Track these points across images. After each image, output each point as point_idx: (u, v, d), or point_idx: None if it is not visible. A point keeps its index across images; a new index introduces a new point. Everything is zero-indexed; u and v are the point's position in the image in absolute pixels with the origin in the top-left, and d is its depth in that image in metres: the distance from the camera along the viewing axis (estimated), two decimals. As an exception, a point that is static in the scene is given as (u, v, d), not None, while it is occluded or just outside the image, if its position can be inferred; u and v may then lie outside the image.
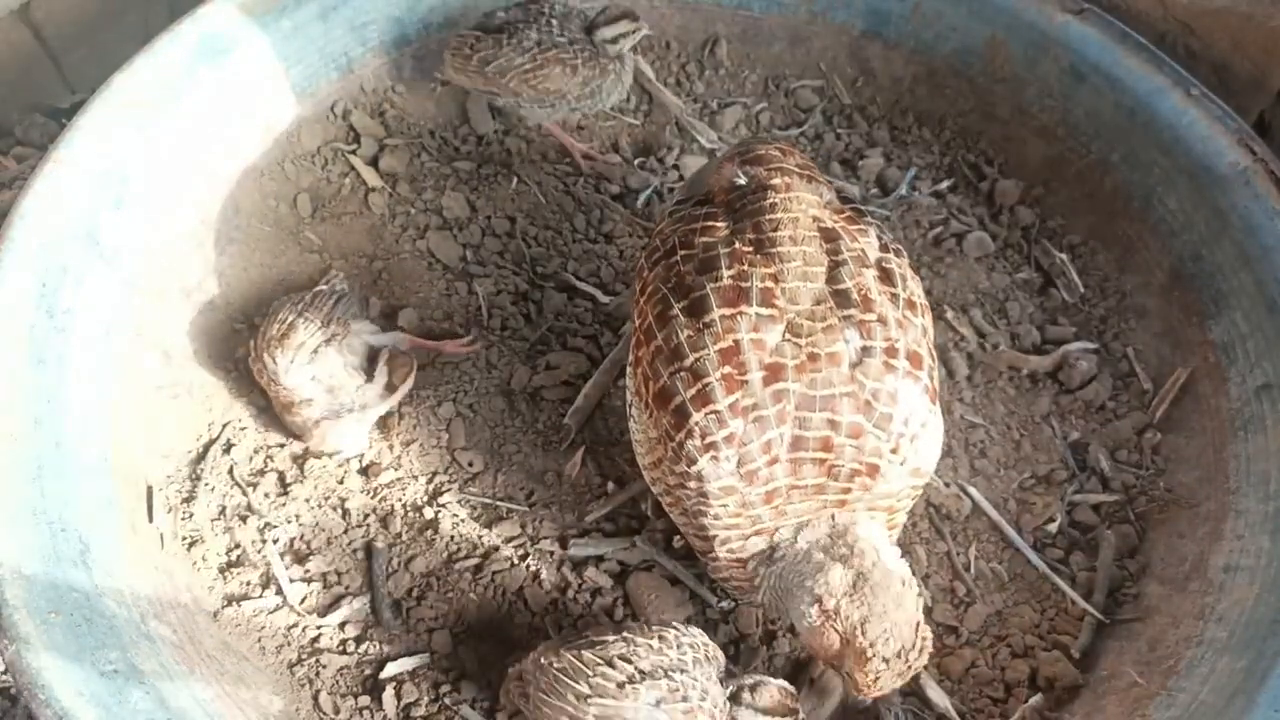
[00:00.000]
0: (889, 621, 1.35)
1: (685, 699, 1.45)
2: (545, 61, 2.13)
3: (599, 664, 1.47)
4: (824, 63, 2.51)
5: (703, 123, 2.43)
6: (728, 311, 1.42)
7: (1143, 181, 2.19)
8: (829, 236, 1.52)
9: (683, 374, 1.42)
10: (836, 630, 1.39)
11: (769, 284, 1.44)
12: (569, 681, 1.47)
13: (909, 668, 1.37)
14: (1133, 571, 1.93)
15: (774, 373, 1.39)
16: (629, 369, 1.61)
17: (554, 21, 2.16)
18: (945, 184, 2.38)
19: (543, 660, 1.53)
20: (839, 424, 1.39)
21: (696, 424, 1.40)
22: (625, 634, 1.52)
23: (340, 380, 1.91)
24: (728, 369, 1.39)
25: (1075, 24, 2.22)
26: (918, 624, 1.38)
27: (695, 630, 1.56)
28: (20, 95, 2.44)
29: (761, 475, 1.40)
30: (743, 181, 1.62)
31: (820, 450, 1.40)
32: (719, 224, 1.55)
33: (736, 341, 1.40)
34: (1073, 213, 2.33)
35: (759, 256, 1.48)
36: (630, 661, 1.47)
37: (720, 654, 1.56)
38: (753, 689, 1.51)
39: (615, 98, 2.25)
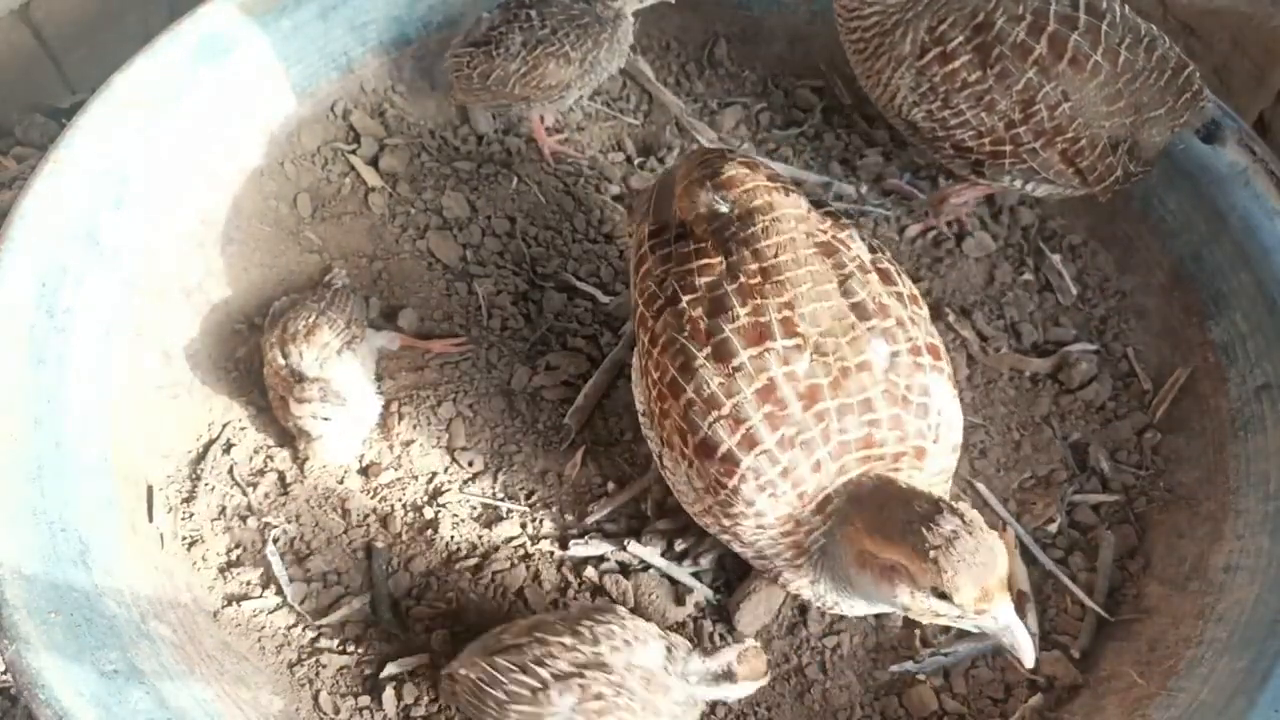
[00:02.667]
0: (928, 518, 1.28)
1: (599, 697, 1.47)
2: (537, 61, 2.10)
3: (513, 670, 1.49)
4: (824, 63, 2.50)
5: (703, 122, 2.43)
6: (754, 351, 1.41)
7: (1142, 181, 2.19)
8: (827, 250, 1.53)
9: (723, 422, 1.41)
10: (890, 554, 1.33)
11: (786, 313, 1.44)
12: (487, 689, 1.50)
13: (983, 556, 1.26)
14: (1133, 571, 1.93)
15: (811, 396, 1.40)
16: (651, 421, 1.59)
17: (533, 14, 2.12)
18: (945, 184, 2.38)
19: (461, 670, 1.56)
20: (879, 420, 1.41)
21: (749, 468, 1.40)
22: (538, 633, 1.54)
23: (354, 390, 1.88)
24: (768, 408, 1.39)
25: (1075, 24, 2.22)
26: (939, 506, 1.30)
27: (615, 612, 1.58)
28: (20, 95, 2.44)
29: (810, 491, 1.41)
30: (724, 209, 1.59)
31: (863, 448, 1.41)
32: (713, 259, 1.53)
33: (771, 379, 1.40)
34: (1073, 213, 2.33)
35: (768, 286, 1.47)
36: (544, 664, 1.49)
37: (651, 628, 1.58)
38: (739, 658, 1.54)
39: (618, 61, 2.21)
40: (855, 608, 1.54)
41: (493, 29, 2.13)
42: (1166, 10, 2.36)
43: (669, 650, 1.56)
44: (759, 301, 1.45)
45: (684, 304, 1.50)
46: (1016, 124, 1.85)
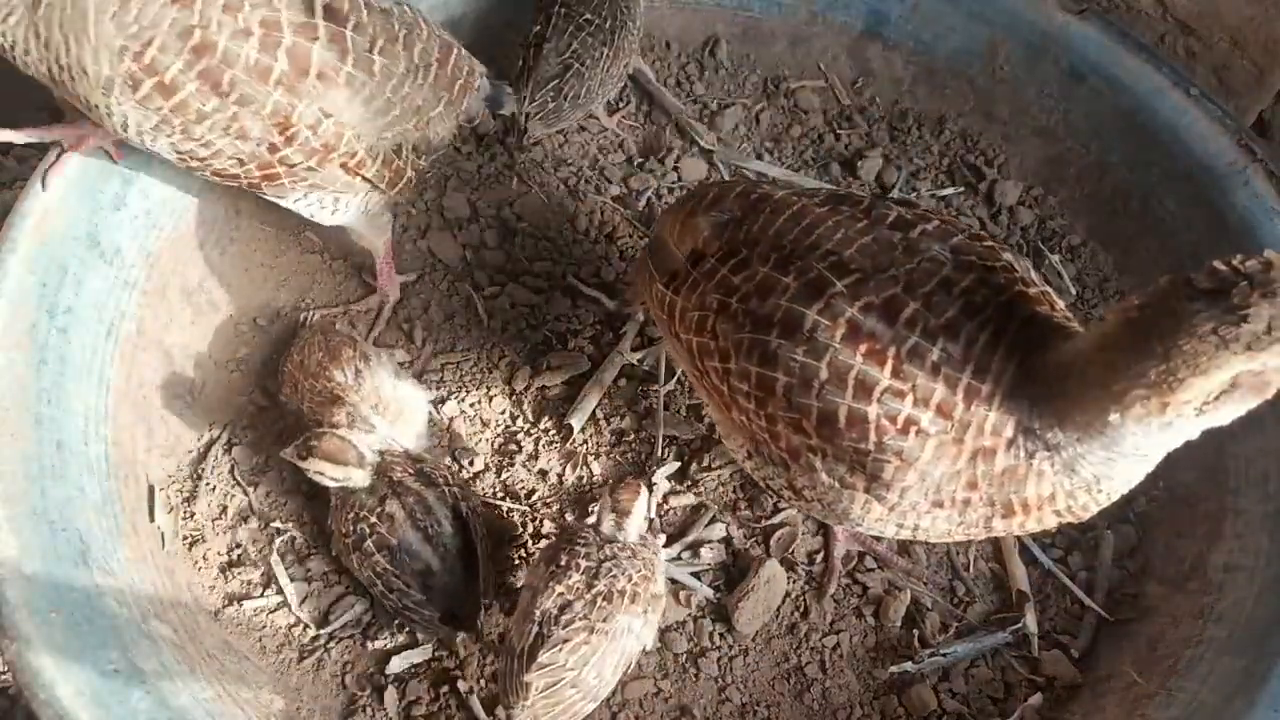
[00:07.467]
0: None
1: (623, 592, 1.59)
2: (618, 51, 2.18)
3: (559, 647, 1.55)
4: (824, 63, 2.51)
5: (702, 124, 2.43)
6: (819, 304, 1.33)
7: (1142, 181, 2.20)
8: (836, 199, 1.49)
9: (829, 386, 1.30)
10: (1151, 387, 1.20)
11: (832, 259, 1.37)
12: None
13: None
14: (1132, 571, 1.93)
15: (892, 308, 1.30)
16: (764, 450, 1.46)
17: (588, 15, 2.14)
18: (949, 190, 2.38)
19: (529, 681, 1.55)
20: (969, 287, 1.31)
21: (881, 415, 1.28)
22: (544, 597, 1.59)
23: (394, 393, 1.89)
24: (863, 346, 1.29)
25: (1075, 24, 2.22)
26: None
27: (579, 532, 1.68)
28: (20, 95, 2.43)
29: (948, 401, 1.26)
30: (726, 216, 1.55)
31: (972, 314, 1.29)
32: (739, 256, 1.47)
33: (849, 321, 1.31)
34: (1073, 213, 2.33)
35: (802, 248, 1.41)
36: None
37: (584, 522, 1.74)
38: (613, 498, 1.67)
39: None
40: (1134, 468, 1.34)
41: (562, 55, 2.14)
42: (1166, 10, 2.36)
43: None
44: (800, 263, 1.38)
45: (733, 304, 1.43)
46: (280, 147, 1.63)
